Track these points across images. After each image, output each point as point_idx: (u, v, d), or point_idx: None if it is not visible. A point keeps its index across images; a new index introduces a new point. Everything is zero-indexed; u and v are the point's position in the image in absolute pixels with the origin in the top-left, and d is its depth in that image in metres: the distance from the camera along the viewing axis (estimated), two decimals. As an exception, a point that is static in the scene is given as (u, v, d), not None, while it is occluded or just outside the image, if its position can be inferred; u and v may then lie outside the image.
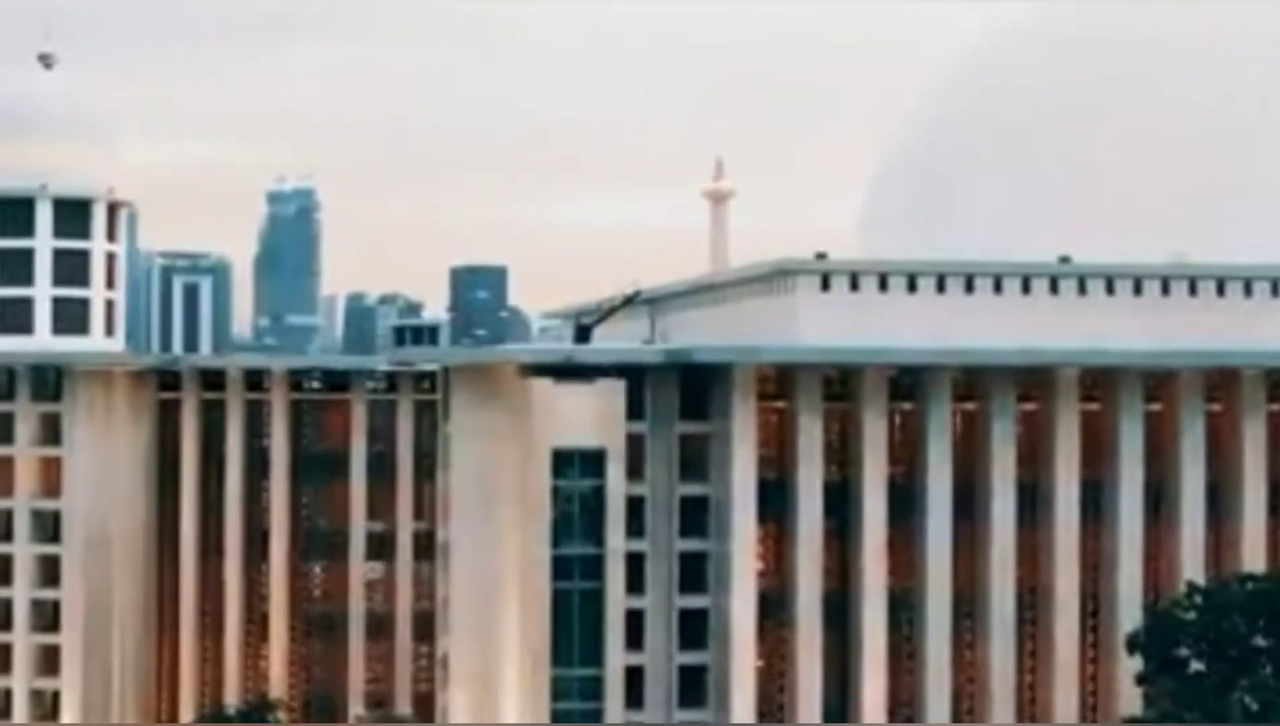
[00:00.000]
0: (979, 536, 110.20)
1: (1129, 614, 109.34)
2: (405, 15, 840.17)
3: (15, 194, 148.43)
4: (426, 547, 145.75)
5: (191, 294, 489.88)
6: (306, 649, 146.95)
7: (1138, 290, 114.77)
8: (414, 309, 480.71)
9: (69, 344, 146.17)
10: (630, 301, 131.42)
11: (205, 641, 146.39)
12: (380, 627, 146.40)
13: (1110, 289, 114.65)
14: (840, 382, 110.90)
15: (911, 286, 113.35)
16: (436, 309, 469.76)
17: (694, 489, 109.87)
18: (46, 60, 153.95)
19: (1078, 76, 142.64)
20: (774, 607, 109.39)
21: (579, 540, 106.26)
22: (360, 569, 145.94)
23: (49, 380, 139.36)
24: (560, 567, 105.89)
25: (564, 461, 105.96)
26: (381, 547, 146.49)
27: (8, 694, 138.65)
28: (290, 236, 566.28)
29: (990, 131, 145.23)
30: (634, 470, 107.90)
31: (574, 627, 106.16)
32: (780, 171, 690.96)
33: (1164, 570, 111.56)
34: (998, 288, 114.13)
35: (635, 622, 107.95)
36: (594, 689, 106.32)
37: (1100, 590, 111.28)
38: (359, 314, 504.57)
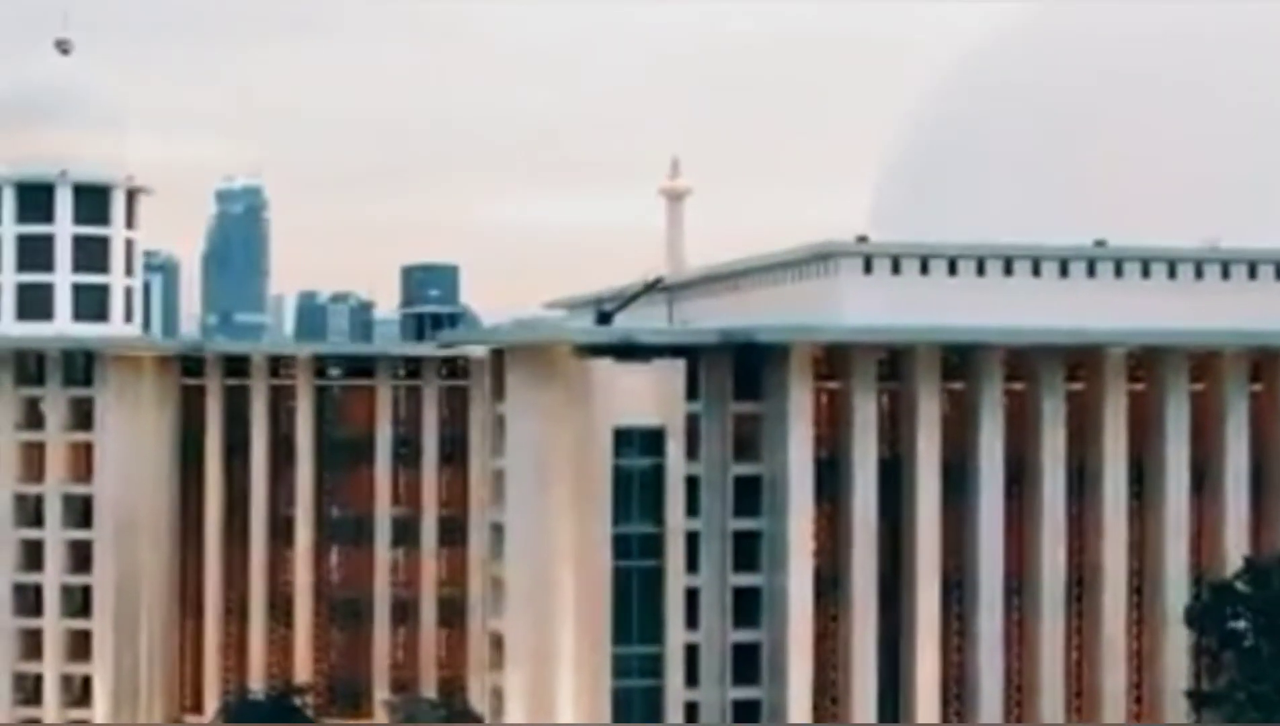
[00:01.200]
0: (1028, 514, 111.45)
1: (1175, 590, 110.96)
2: (374, 15, 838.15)
3: (36, 180, 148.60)
4: (451, 533, 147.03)
5: (144, 292, 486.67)
6: (331, 634, 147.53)
7: (1172, 273, 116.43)
8: (365, 307, 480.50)
9: (92, 330, 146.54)
10: (652, 288, 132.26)
11: (230, 627, 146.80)
12: (405, 613, 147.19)
13: (1146, 272, 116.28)
14: (889, 363, 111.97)
15: (952, 269, 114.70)
16: (388, 308, 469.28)
17: (747, 468, 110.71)
18: (63, 46, 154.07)
19: (1079, 73, 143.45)
20: (826, 585, 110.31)
21: (638, 519, 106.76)
22: (385, 554, 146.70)
23: (77, 365, 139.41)
24: (619, 546, 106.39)
25: (623, 440, 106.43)
26: (406, 533, 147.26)
27: (38, 679, 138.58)
28: (238, 235, 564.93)
29: (999, 125, 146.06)
30: (688, 450, 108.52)
31: (633, 605, 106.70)
32: (769, 169, 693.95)
33: (1208, 547, 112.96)
34: (1036, 271, 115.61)
35: (690, 601, 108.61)
36: (653, 666, 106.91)
37: (1147, 567, 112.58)
38: (311, 312, 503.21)
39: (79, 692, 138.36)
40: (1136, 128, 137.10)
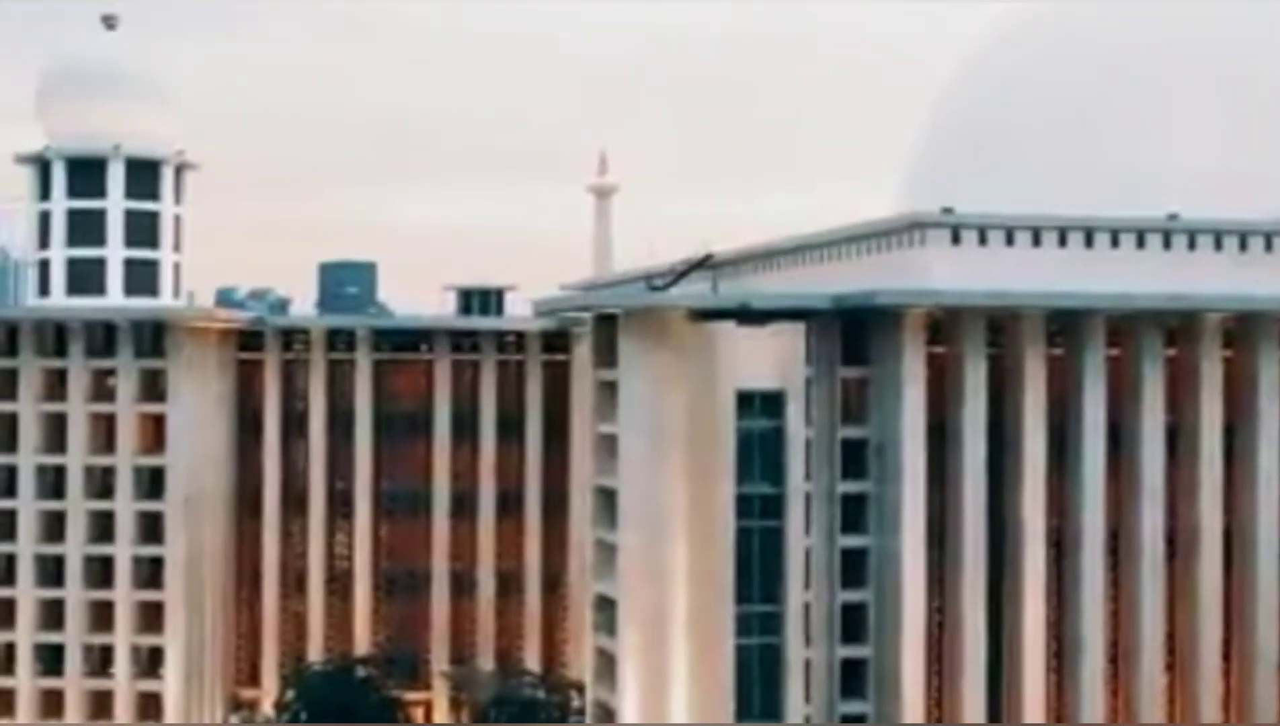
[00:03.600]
0: (1128, 477, 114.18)
1: (1267, 548, 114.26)
2: (292, 12, 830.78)
3: (87, 154, 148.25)
4: (508, 505, 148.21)
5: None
6: (389, 606, 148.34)
7: (1243, 246, 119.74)
8: (283, 304, 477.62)
9: (146, 304, 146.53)
10: (702, 264, 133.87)
11: (288, 600, 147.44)
12: (462, 584, 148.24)
13: (1219, 245, 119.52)
14: (990, 329, 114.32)
15: (1036, 241, 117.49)
16: (305, 304, 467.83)
17: (853, 432, 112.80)
18: (110, 21, 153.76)
19: (1085, 69, 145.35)
20: (934, 546, 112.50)
21: (758, 480, 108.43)
22: (443, 527, 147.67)
23: (145, 337, 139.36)
24: (740, 507, 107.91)
25: (744, 403, 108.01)
26: (463, 506, 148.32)
27: (105, 650, 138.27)
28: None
29: (1026, 113, 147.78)
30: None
31: (754, 565, 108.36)
32: (696, 167, 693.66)
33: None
34: (1114, 242, 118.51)
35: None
36: (773, 624, 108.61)
37: (1239, 526, 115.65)
38: (229, 307, 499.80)
39: (147, 664, 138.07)
40: (1163, 114, 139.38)
